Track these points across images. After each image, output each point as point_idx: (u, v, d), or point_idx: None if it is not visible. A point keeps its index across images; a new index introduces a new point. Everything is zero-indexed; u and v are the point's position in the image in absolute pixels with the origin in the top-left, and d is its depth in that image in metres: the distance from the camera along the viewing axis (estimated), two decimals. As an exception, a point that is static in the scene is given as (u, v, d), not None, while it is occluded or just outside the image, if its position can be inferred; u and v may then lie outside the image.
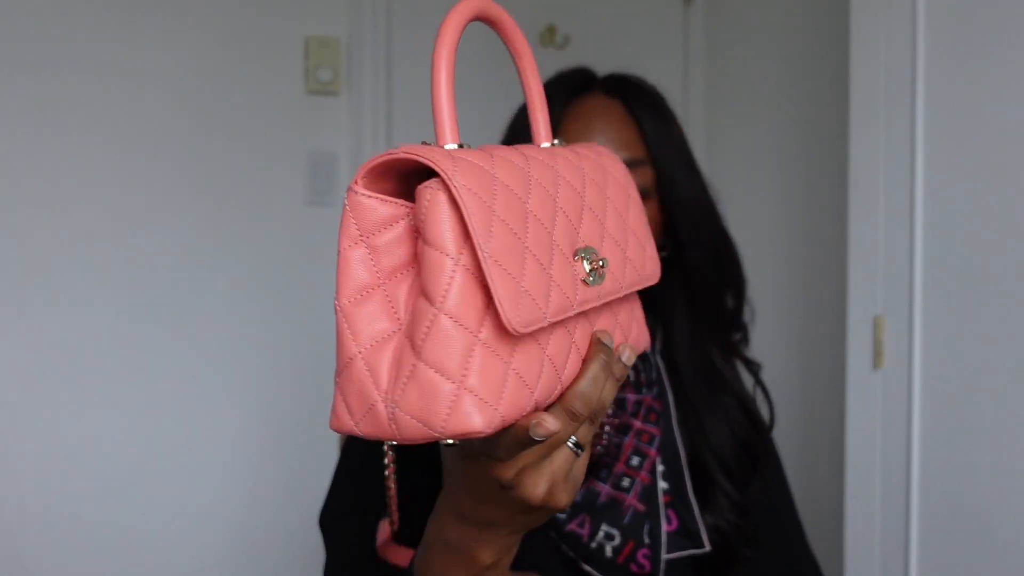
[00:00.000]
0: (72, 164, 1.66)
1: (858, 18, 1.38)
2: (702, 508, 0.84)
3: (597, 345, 0.51)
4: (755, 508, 0.87)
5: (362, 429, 0.44)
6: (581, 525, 0.82)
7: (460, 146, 0.45)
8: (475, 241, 0.41)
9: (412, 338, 0.42)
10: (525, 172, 0.47)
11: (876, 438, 1.34)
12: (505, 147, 0.50)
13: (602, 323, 0.52)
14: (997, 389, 1.18)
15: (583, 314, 0.50)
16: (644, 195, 0.84)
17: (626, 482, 0.83)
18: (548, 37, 2.01)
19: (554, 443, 0.50)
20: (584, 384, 0.50)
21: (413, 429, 0.42)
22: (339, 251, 0.44)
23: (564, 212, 0.48)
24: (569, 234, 0.48)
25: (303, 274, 1.86)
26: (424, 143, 0.45)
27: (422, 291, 0.43)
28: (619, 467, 0.84)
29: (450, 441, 0.43)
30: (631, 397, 0.87)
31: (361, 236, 0.44)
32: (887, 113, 1.32)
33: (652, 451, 0.85)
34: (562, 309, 0.46)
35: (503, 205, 0.44)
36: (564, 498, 0.53)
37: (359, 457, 0.86)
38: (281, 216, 1.83)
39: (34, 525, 1.64)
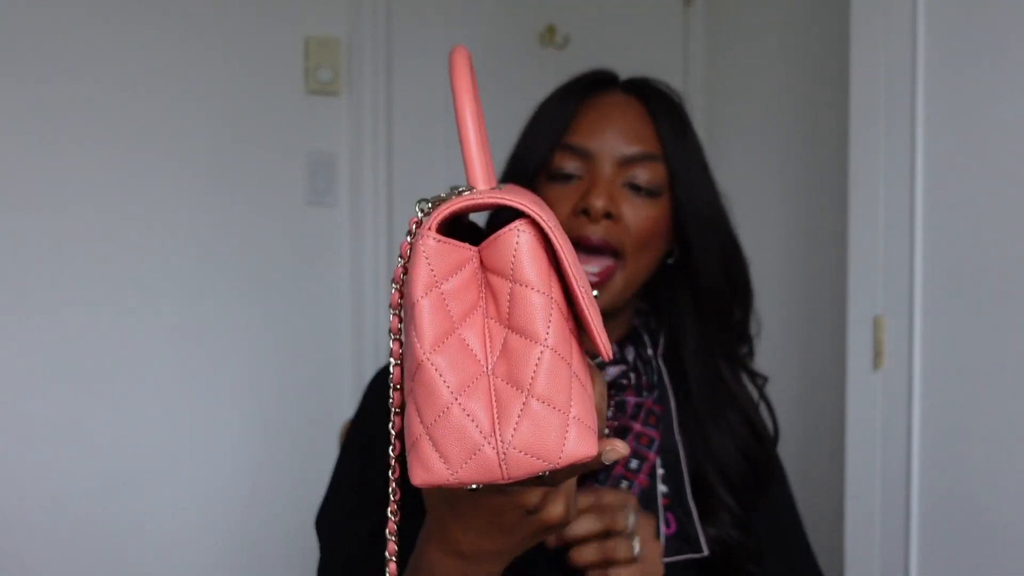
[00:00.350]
0: (71, 164, 1.65)
1: (858, 18, 1.38)
2: (705, 522, 0.83)
3: (593, 366, 0.53)
4: (761, 523, 0.87)
5: (462, 476, 0.43)
6: None
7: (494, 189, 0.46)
8: (572, 278, 0.43)
9: (514, 377, 0.43)
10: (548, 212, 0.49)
11: (876, 438, 1.34)
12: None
13: None
14: (997, 389, 1.18)
15: None
16: (656, 192, 0.84)
17: (624, 485, 0.83)
18: (548, 37, 2.00)
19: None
20: (598, 400, 0.51)
21: (526, 465, 0.42)
22: (413, 300, 0.44)
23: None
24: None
25: (303, 274, 1.86)
26: (459, 188, 0.46)
27: (517, 330, 0.43)
28: (617, 469, 0.84)
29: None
30: (631, 400, 0.87)
31: (435, 282, 0.44)
32: (887, 113, 1.32)
33: (651, 454, 0.85)
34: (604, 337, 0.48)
35: (566, 247, 0.46)
36: (573, 514, 0.55)
37: (359, 458, 0.86)
38: (281, 216, 1.83)
39: (33, 525, 1.64)
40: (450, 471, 0.43)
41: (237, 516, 1.80)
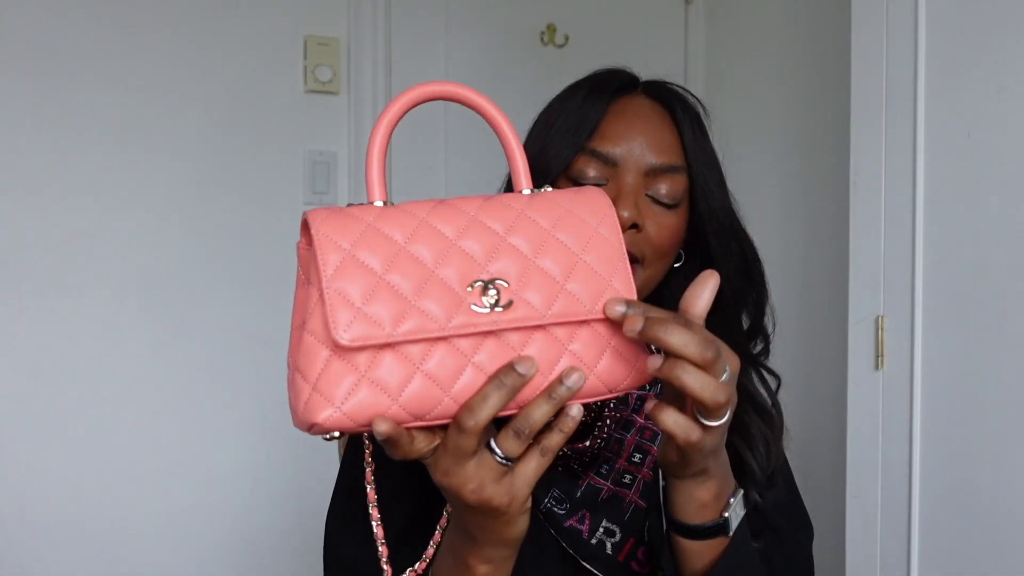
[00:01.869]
0: (70, 163, 1.65)
1: (859, 18, 1.38)
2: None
3: (504, 368, 0.55)
4: (768, 507, 0.88)
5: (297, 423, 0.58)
6: (581, 521, 0.82)
7: (385, 203, 0.58)
8: (321, 275, 0.53)
9: (291, 354, 0.57)
10: (419, 219, 0.57)
11: (877, 438, 1.34)
12: (419, 202, 0.58)
13: (534, 349, 0.57)
14: (998, 389, 1.18)
15: (495, 339, 0.56)
16: (678, 203, 0.85)
17: (628, 478, 0.83)
18: (548, 37, 2.00)
19: (457, 450, 0.56)
20: (474, 400, 0.55)
21: (293, 421, 0.57)
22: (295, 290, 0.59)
23: (462, 248, 0.56)
24: (463, 267, 0.56)
25: (302, 274, 1.85)
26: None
27: (299, 317, 0.57)
28: (620, 463, 0.84)
29: (336, 435, 0.56)
30: (633, 393, 0.87)
31: (303, 277, 0.58)
32: (888, 113, 1.32)
33: (655, 448, 0.85)
34: (418, 330, 0.54)
35: (366, 248, 0.55)
36: (499, 498, 0.58)
37: (354, 476, 0.88)
38: (280, 215, 1.82)
39: (32, 526, 1.63)
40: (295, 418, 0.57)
41: (237, 515, 1.80)
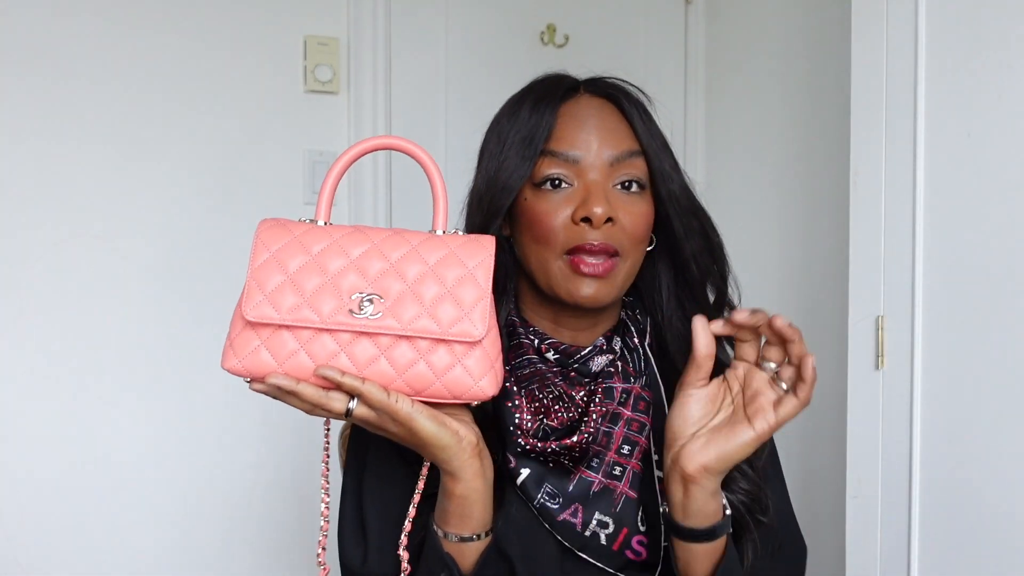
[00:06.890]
0: (70, 163, 1.65)
1: (859, 18, 1.38)
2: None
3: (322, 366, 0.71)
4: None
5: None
6: (574, 514, 0.84)
7: (325, 223, 0.76)
8: (249, 266, 0.72)
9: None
10: (334, 239, 0.73)
11: (877, 438, 1.34)
12: (343, 226, 0.75)
13: (398, 352, 0.72)
14: (998, 389, 1.18)
15: (370, 338, 0.72)
16: (643, 187, 0.88)
17: (618, 470, 0.86)
18: (548, 36, 2.00)
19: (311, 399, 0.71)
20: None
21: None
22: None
23: (357, 267, 0.72)
24: (354, 281, 0.72)
25: (302, 274, 1.85)
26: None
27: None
28: (610, 456, 0.86)
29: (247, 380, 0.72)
30: (618, 386, 0.88)
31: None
32: (888, 113, 1.32)
33: (643, 440, 0.87)
34: (304, 320, 0.71)
35: (285, 252, 0.73)
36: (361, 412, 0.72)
37: (357, 488, 0.90)
38: (280, 215, 1.81)
39: (33, 525, 1.63)
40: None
41: (236, 513, 1.80)
